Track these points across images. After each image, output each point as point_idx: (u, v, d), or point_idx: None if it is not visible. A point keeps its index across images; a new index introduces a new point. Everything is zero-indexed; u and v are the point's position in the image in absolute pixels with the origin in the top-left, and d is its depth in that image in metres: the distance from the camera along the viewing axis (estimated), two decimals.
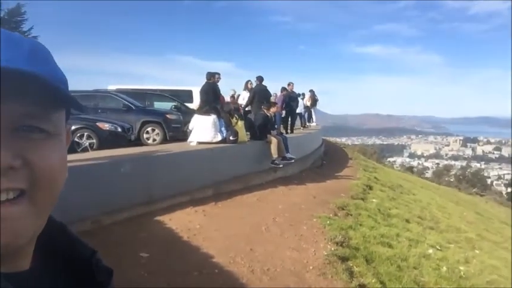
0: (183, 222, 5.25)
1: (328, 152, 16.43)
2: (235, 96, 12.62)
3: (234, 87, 12.88)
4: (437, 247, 6.86)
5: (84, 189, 4.31)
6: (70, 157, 0.51)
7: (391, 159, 76.12)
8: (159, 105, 12.82)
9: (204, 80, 8.84)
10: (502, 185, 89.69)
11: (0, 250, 0.46)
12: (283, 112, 12.74)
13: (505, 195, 49.58)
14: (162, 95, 13.67)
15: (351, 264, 4.50)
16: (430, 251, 6.43)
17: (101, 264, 0.62)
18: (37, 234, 0.51)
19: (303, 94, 17.24)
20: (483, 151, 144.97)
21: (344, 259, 4.57)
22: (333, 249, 4.79)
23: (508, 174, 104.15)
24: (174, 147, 7.58)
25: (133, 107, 10.68)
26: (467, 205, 15.46)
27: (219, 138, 7.77)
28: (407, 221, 8.14)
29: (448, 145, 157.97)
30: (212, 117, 7.81)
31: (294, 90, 13.75)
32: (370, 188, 10.12)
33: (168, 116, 10.72)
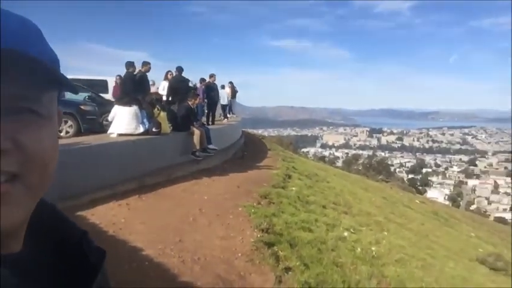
0: (107, 216, 5.10)
1: (248, 143, 16.74)
2: (154, 86, 12.39)
3: (151, 78, 12.62)
4: (352, 230, 7.38)
5: None
6: None
7: (305, 150, 79.35)
8: (71, 95, 12.10)
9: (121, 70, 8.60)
10: (404, 172, 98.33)
11: None
12: (205, 103, 12.76)
13: (407, 181, 54.34)
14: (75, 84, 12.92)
15: (277, 249, 4.73)
16: (346, 234, 6.91)
17: (92, 245, 0.61)
18: (29, 216, 0.51)
19: (224, 86, 17.35)
20: (387, 141, 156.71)
21: (270, 245, 4.78)
22: (259, 236, 4.99)
23: (409, 162, 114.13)
24: (93, 139, 7.26)
25: None
26: (375, 191, 16.67)
27: (141, 129, 7.61)
28: (324, 207, 8.63)
29: (356, 136, 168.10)
30: (133, 108, 7.62)
31: (215, 82, 13.80)
32: (289, 177, 10.54)
33: (82, 107, 10.18)
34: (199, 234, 4.84)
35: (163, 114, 8.41)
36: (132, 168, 6.77)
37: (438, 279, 6.32)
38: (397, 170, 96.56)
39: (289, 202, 7.52)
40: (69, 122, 9.96)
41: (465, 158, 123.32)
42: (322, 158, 53.49)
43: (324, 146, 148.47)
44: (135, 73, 8.54)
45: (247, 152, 13.80)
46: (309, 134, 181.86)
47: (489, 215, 59.27)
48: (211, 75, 13.55)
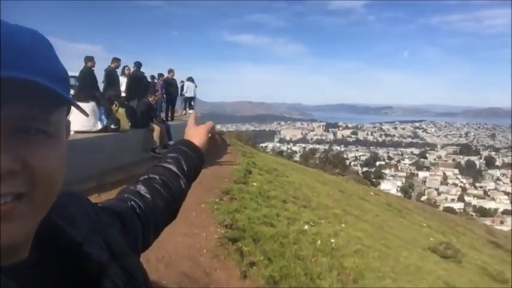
0: None
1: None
2: None
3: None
4: (311, 223, 7.57)
5: None
6: None
7: (263, 145, 79.87)
8: None
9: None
10: (359, 165, 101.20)
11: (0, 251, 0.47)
12: (164, 99, 12.60)
13: (361, 174, 55.92)
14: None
15: (241, 245, 4.80)
16: (306, 227, 7.08)
17: (90, 257, 0.62)
18: (34, 230, 0.52)
19: (191, 79, 17.28)
20: (342, 135, 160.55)
21: (234, 240, 4.84)
22: (222, 232, 5.03)
23: (363, 155, 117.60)
24: None
25: None
26: (332, 184, 17.09)
27: (99, 126, 7.41)
28: (284, 201, 8.78)
29: (313, 130, 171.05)
30: (91, 105, 7.40)
31: (174, 77, 13.63)
32: (250, 172, 10.63)
33: None
34: (163, 231, 4.82)
35: (121, 110, 8.23)
36: (90, 166, 6.59)
37: (394, 268, 6.62)
38: (352, 163, 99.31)
39: (251, 197, 7.60)
40: None
41: (416, 151, 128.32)
42: (280, 153, 54.05)
43: (282, 141, 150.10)
44: (108, 69, 8.35)
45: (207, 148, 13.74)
46: (267, 129, 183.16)
47: (439, 205, 62.24)
48: (170, 71, 13.38)
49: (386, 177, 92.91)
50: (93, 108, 7.44)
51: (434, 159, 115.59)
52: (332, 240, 6.83)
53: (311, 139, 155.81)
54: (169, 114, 13.23)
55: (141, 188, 0.94)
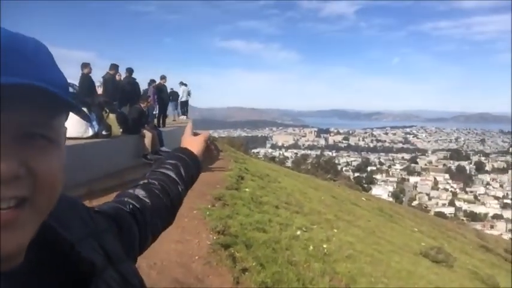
0: None
1: None
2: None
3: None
4: (304, 229, 7.58)
5: None
6: None
7: (255, 151, 79.95)
8: None
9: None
10: (350, 170, 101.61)
11: (0, 257, 0.47)
12: (156, 106, 12.58)
13: (353, 180, 56.15)
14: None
15: (233, 251, 4.79)
16: (298, 232, 7.09)
17: (84, 258, 0.62)
18: (31, 236, 0.52)
19: (183, 83, 17.35)
20: (334, 141, 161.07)
21: (226, 246, 4.83)
22: (215, 238, 5.02)
23: (355, 161, 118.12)
24: None
25: None
26: (324, 190, 17.15)
27: (90, 133, 7.38)
28: (277, 207, 8.79)
29: (304, 136, 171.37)
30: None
31: (165, 84, 13.63)
32: (242, 178, 10.62)
33: None
34: None
35: (112, 116, 8.21)
36: (81, 173, 6.55)
37: (386, 273, 6.64)
38: (344, 168, 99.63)
39: (243, 203, 7.60)
40: None
41: (407, 156, 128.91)
42: (272, 159, 54.14)
43: (273, 147, 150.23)
44: (106, 76, 8.36)
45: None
46: (259, 135, 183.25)
47: (430, 210, 62.72)
48: (162, 77, 13.38)
49: (378, 183, 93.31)
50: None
51: (425, 165, 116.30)
52: (324, 246, 6.84)
53: (303, 145, 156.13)
54: (161, 121, 13.21)
55: (140, 192, 0.97)
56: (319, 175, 31.18)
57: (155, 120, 12.51)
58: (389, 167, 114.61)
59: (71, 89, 9.95)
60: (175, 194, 1.03)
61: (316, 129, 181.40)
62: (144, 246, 0.94)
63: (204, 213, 6.01)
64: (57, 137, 0.53)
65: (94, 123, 7.61)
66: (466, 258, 12.10)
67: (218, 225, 5.47)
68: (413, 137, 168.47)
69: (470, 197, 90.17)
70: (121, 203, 0.92)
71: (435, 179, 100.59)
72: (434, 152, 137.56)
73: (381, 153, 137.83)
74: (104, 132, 7.61)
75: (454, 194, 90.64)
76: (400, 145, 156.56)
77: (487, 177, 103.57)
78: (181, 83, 17.66)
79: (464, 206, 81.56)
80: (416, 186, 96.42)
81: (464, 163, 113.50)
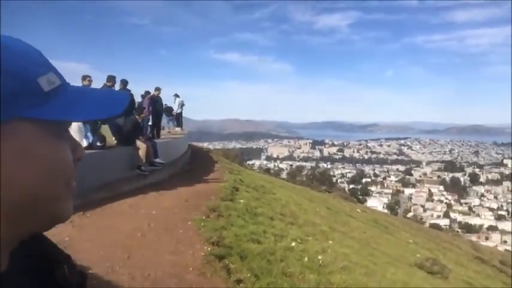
0: (49, 235, 4.87)
1: (194, 156, 16.65)
2: None
3: None
4: (299, 240, 7.56)
5: None
6: None
7: (250, 162, 79.83)
8: None
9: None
10: (345, 182, 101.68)
11: None
12: (150, 117, 12.57)
13: (348, 191, 56.21)
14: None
15: (227, 262, 4.76)
16: (293, 244, 7.06)
17: (74, 269, 0.64)
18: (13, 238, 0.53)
19: (177, 95, 17.47)
20: (329, 153, 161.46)
21: (221, 258, 4.80)
22: (209, 249, 4.99)
23: (350, 172, 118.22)
24: None
25: None
26: (319, 201, 17.13)
27: (84, 144, 7.36)
28: (271, 218, 8.76)
29: (299, 148, 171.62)
30: (76, 122, 7.36)
31: (160, 95, 13.65)
32: (237, 189, 10.60)
33: None
34: (149, 249, 4.77)
35: (104, 127, 8.20)
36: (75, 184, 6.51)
37: (381, 284, 6.61)
38: (339, 180, 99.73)
39: (238, 214, 7.57)
40: None
41: (401, 168, 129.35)
42: (267, 170, 54.04)
43: (268, 159, 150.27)
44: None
45: (194, 166, 13.73)
46: (254, 147, 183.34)
47: (425, 221, 62.70)
48: (157, 89, 13.41)
49: (373, 194, 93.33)
50: (78, 125, 7.39)
51: (420, 176, 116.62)
52: (319, 257, 6.81)
53: (298, 156, 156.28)
54: (156, 132, 13.20)
55: None
56: (314, 187, 31.17)
57: (149, 132, 12.51)
58: (384, 178, 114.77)
59: None
60: None
61: (311, 141, 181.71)
62: None
63: (199, 224, 5.99)
64: None
65: (88, 134, 7.59)
66: (461, 269, 12.08)
67: (213, 236, 5.45)
68: (407, 148, 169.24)
69: (465, 208, 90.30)
70: None
71: (430, 190, 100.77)
72: (428, 163, 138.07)
73: (376, 165, 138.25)
74: (98, 144, 7.59)
75: (449, 206, 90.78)
76: (395, 157, 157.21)
77: (481, 189, 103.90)
78: (175, 95, 17.72)
79: (459, 218, 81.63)
80: (411, 198, 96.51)
81: (458, 175, 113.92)
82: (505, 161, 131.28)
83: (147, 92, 13.60)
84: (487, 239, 64.38)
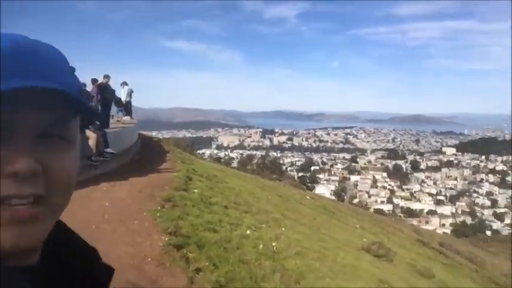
0: None
1: (145, 146, 16.33)
2: None
3: None
4: (253, 228, 7.70)
5: None
6: None
7: (200, 152, 79.32)
8: None
9: None
10: (294, 170, 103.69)
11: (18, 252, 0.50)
12: (99, 106, 12.17)
13: (297, 179, 57.41)
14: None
15: (186, 252, 4.80)
16: (248, 232, 7.19)
17: (101, 262, 0.66)
18: (48, 233, 0.54)
19: (125, 83, 16.94)
20: (279, 141, 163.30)
21: (179, 247, 4.83)
22: (167, 239, 4.99)
23: (299, 161, 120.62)
24: None
25: None
26: (270, 189, 17.40)
27: None
28: (226, 207, 8.84)
29: (250, 137, 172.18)
30: None
31: (109, 83, 13.21)
32: (190, 179, 10.55)
33: None
34: (104, 241, 4.68)
35: None
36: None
37: (332, 269, 6.90)
38: (289, 168, 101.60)
39: (193, 204, 7.58)
40: None
41: (348, 156, 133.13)
42: (218, 159, 54.08)
43: (219, 147, 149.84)
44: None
45: (145, 155, 13.49)
46: (204, 136, 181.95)
47: (369, 207, 65.46)
48: (106, 76, 12.95)
49: (321, 182, 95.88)
50: None
51: (365, 164, 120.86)
52: (273, 244, 6.99)
53: (248, 145, 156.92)
54: (105, 121, 12.79)
55: None
56: (265, 175, 31.56)
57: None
58: (332, 166, 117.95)
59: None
60: None
61: (261, 130, 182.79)
62: None
63: (154, 215, 5.95)
64: (73, 138, 0.56)
65: None
66: (405, 252, 12.81)
67: (169, 226, 5.44)
68: (353, 137, 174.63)
69: (407, 194, 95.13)
70: None
71: (374, 177, 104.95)
72: (373, 151, 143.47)
73: (324, 153, 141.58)
74: None
75: (392, 192, 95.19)
76: (341, 145, 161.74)
77: (421, 176, 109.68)
78: (123, 83, 17.22)
79: (401, 203, 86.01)
80: (356, 185, 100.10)
81: (400, 162, 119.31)
82: (443, 149, 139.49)
83: (95, 80, 13.12)
84: (427, 222, 68.45)
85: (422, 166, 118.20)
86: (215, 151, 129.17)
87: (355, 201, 76.65)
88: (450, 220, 76.17)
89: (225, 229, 6.69)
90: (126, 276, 3.86)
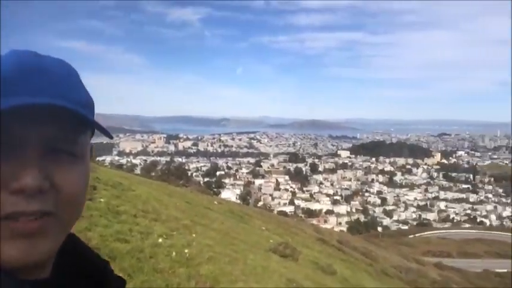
0: None
1: None
2: None
3: None
4: (164, 236, 7.59)
5: None
6: None
7: (100, 158, 75.38)
8: None
9: None
10: (200, 175, 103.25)
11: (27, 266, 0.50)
12: None
13: (203, 185, 57.35)
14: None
15: None
16: (160, 240, 7.09)
17: (114, 275, 0.67)
18: (58, 247, 0.55)
19: None
20: (184, 147, 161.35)
21: None
22: None
23: (204, 166, 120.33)
24: None
25: None
26: (178, 196, 17.14)
27: None
28: (135, 216, 8.58)
29: (154, 142, 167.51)
30: None
31: None
32: (95, 188, 10.02)
33: None
34: None
35: None
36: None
37: (244, 271, 7.10)
38: (194, 174, 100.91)
39: (100, 214, 7.25)
40: None
41: (252, 160, 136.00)
42: (120, 166, 51.80)
43: (120, 154, 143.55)
44: None
45: None
46: (105, 142, 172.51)
47: (273, 209, 67.69)
48: None
49: (227, 186, 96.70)
50: None
51: (268, 167, 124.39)
52: (186, 251, 6.98)
53: (152, 151, 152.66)
54: None
55: None
56: (171, 181, 30.96)
57: None
58: (237, 170, 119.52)
59: None
60: None
61: (165, 136, 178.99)
62: None
63: None
64: (82, 153, 0.56)
65: None
66: (308, 251, 13.54)
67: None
68: (257, 142, 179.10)
69: (307, 195, 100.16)
70: None
71: (277, 180, 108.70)
72: (275, 155, 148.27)
73: (229, 158, 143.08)
74: None
75: (294, 194, 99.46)
76: (246, 150, 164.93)
77: (320, 177, 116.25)
78: None
79: (302, 204, 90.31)
80: (260, 188, 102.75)
81: (301, 165, 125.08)
82: (338, 152, 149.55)
83: None
84: (325, 221, 72.73)
85: (320, 168, 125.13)
86: (116, 157, 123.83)
87: (260, 204, 78.70)
88: (346, 218, 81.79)
89: (136, 238, 6.52)
90: None
